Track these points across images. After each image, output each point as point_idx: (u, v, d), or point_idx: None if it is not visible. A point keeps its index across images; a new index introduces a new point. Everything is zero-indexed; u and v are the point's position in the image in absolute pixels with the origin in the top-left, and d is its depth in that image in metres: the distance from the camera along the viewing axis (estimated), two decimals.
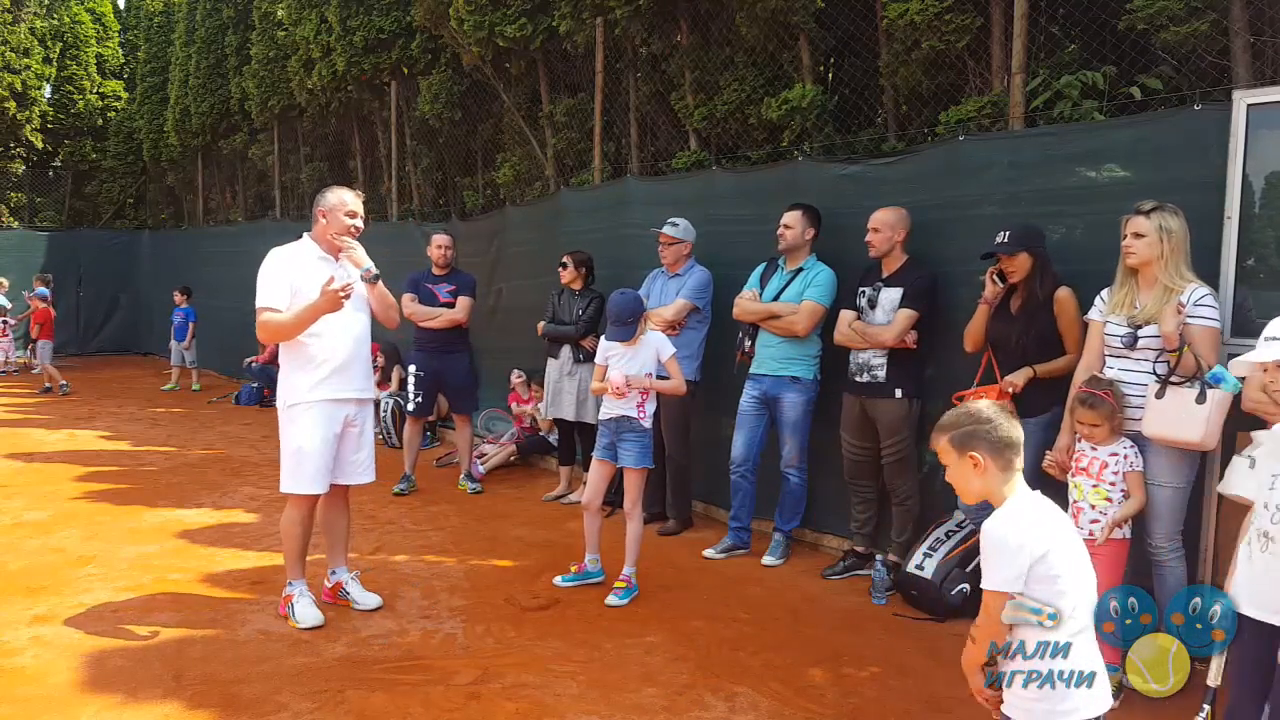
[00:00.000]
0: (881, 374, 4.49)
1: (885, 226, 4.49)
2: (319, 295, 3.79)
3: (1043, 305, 3.90)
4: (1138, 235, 3.41)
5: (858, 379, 4.58)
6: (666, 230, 5.40)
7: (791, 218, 4.89)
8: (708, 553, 5.07)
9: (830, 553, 5.11)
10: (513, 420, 7.47)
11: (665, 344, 4.35)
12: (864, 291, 4.58)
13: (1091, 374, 3.54)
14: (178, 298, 11.95)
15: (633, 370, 4.28)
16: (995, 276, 4.00)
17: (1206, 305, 3.33)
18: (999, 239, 3.92)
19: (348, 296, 3.82)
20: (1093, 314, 3.64)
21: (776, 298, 4.93)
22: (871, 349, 4.50)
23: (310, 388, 3.92)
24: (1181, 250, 3.40)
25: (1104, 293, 3.61)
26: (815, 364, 4.92)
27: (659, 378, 4.34)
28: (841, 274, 4.82)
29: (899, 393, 4.46)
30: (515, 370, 7.32)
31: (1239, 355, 3.46)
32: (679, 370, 4.37)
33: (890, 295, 4.48)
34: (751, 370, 5.05)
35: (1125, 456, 3.38)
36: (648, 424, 4.33)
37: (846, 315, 4.62)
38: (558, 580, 4.53)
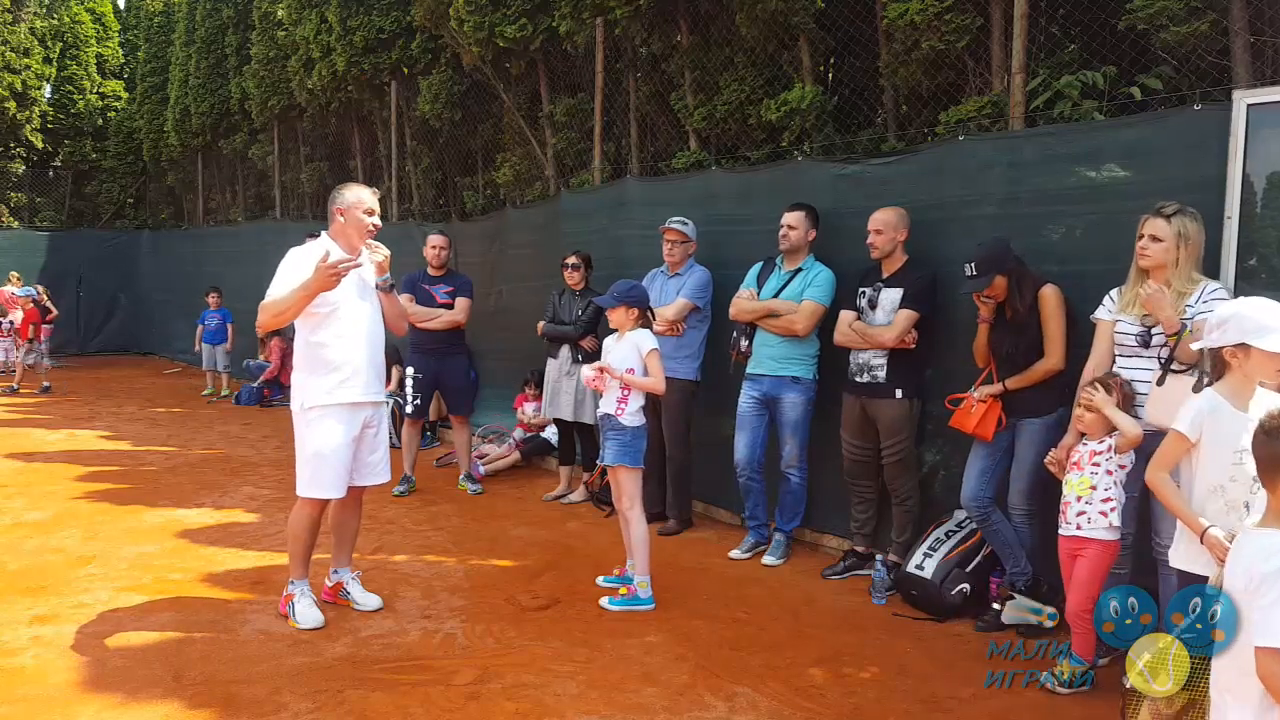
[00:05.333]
0: (882, 374, 4.49)
1: (887, 227, 4.48)
2: (312, 273, 3.68)
3: (1030, 313, 3.89)
4: (1155, 239, 3.37)
5: (858, 379, 4.58)
6: (677, 226, 5.38)
7: (794, 218, 4.88)
8: (734, 554, 5.05)
9: (830, 553, 5.11)
10: (509, 429, 7.44)
11: (646, 339, 4.21)
12: (864, 292, 4.57)
13: (1102, 372, 3.51)
14: (212, 300, 11.51)
15: (612, 364, 4.22)
16: (982, 297, 3.98)
17: (1219, 299, 3.28)
18: (967, 273, 3.92)
19: (338, 276, 3.67)
20: (1101, 313, 3.60)
21: (775, 297, 4.93)
22: (872, 349, 4.50)
23: (330, 390, 3.88)
24: (1195, 255, 3.38)
25: (1114, 292, 3.58)
26: (814, 364, 4.92)
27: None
28: (841, 274, 4.81)
29: (899, 393, 4.46)
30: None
31: None
32: (658, 368, 4.20)
33: (890, 295, 4.48)
34: (750, 370, 5.04)
35: (1114, 447, 3.33)
36: (627, 421, 4.21)
37: (847, 316, 4.62)
38: (604, 602, 4.24)
